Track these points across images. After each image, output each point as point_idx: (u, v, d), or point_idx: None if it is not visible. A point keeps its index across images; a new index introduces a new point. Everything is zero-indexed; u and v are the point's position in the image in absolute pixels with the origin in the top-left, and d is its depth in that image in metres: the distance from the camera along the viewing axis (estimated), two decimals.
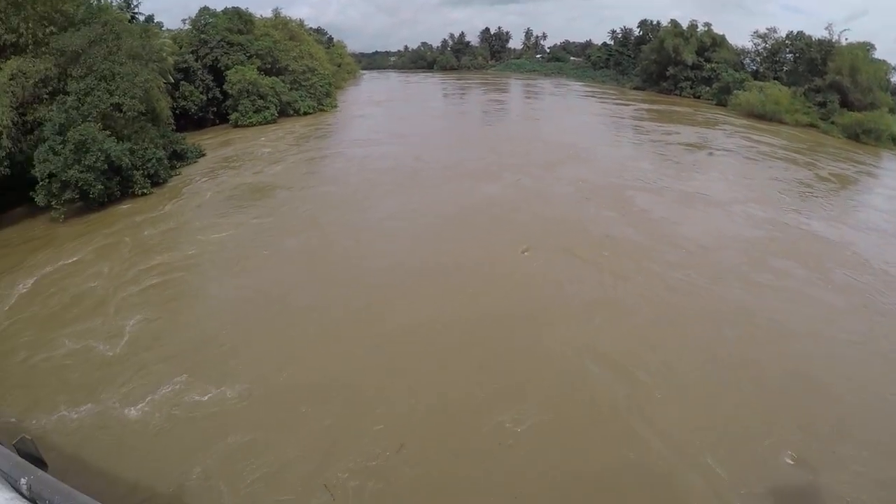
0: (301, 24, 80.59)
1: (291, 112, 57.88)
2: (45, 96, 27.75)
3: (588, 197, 27.40)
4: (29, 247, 23.29)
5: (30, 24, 27.59)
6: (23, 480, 5.55)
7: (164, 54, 42.55)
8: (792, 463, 10.94)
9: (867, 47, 62.10)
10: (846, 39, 63.13)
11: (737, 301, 17.12)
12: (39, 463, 7.38)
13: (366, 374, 13.92)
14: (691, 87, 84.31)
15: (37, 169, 25.20)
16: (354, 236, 23.53)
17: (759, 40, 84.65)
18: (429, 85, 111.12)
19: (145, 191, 29.42)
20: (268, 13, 70.34)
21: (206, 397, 13.12)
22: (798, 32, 77.63)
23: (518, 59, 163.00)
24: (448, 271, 19.56)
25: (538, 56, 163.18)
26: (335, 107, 65.52)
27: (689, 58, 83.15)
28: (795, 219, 25.35)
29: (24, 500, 5.44)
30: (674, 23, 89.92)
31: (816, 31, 72.32)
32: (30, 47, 27.72)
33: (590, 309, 16.67)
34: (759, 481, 10.42)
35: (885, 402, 12.98)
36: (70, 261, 21.60)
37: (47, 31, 28.56)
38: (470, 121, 63.71)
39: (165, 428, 12.17)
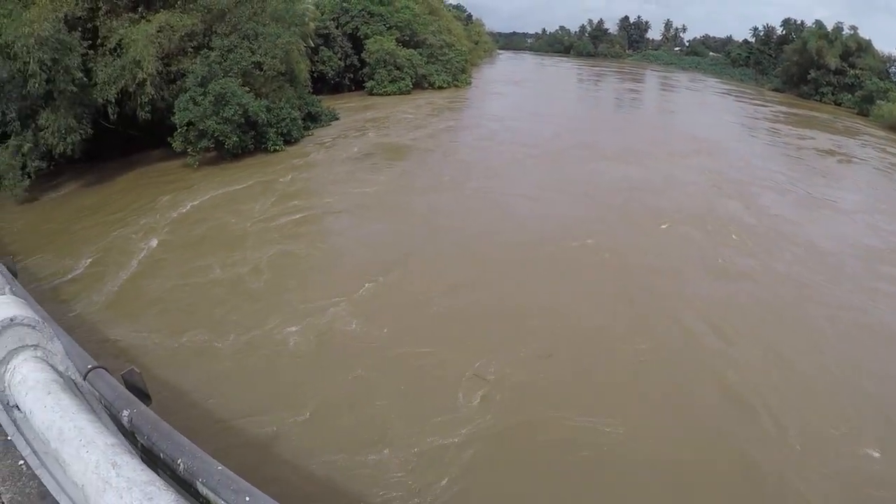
0: None
1: (426, 85, 57.14)
2: (190, 50, 28.13)
3: (717, 186, 27.16)
4: (169, 186, 24.40)
5: None
6: (125, 412, 5.59)
7: (307, 19, 43.02)
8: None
9: None
10: None
11: (845, 300, 16.54)
12: (144, 396, 7.32)
13: (516, 305, 14.92)
14: (832, 94, 76.51)
15: (176, 116, 25.81)
16: (503, 198, 23.85)
17: None
18: (564, 69, 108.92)
19: (277, 147, 29.49)
20: None
21: (354, 325, 13.58)
22: None
23: (656, 50, 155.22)
24: (594, 232, 20.18)
25: (676, 49, 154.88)
26: (469, 83, 64.19)
27: (833, 62, 75.71)
28: None
29: (121, 432, 5.34)
30: (818, 24, 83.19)
31: None
32: (178, 3, 28.16)
33: (714, 282, 17.13)
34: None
35: None
36: (207, 197, 22.82)
37: None
38: (605, 107, 62.18)
39: (311, 351, 12.54)
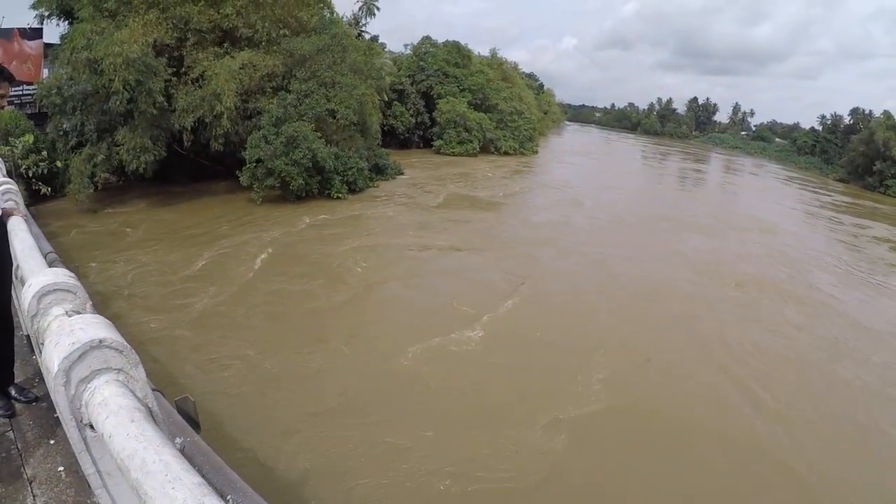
0: (515, 66, 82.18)
1: (492, 149, 57.86)
2: (268, 90, 28.87)
3: (774, 261, 28.47)
4: (234, 216, 25.05)
5: (266, 24, 28.94)
6: (178, 440, 4.95)
7: (383, 73, 44.15)
8: None
9: None
10: None
11: (875, 360, 17.47)
12: (194, 425, 6.75)
13: (616, 330, 16.91)
14: None
15: (247, 152, 26.26)
16: (590, 254, 25.23)
17: None
18: (629, 145, 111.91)
19: (340, 195, 29.51)
20: (485, 52, 72.80)
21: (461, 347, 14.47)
22: None
23: (722, 133, 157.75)
24: (678, 284, 22.21)
25: (742, 133, 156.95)
26: (535, 152, 64.65)
27: None
28: None
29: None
30: (886, 114, 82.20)
31: None
32: (262, 44, 29.08)
33: (768, 330, 18.60)
34: None
35: None
36: (276, 232, 23.12)
37: (281, 32, 29.90)
38: (670, 184, 62.51)
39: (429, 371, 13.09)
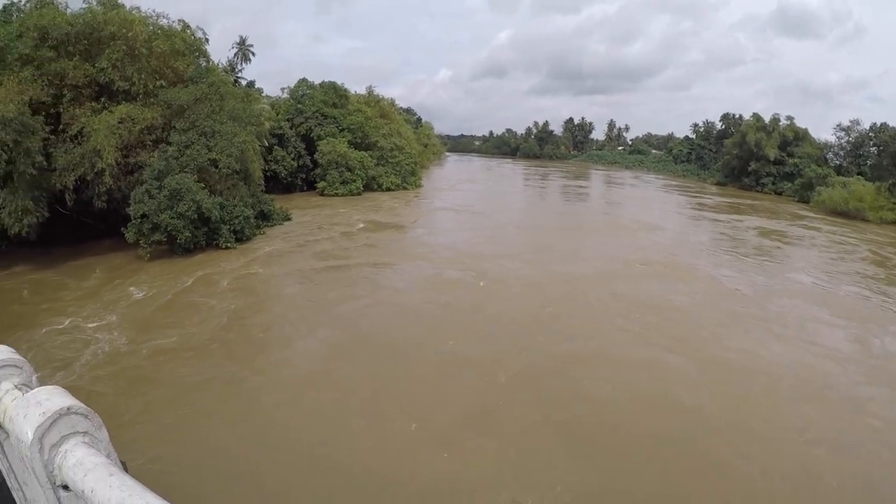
0: (392, 102, 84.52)
1: (375, 187, 59.48)
2: (149, 143, 29.52)
3: (661, 248, 36.85)
4: (121, 277, 24.70)
5: (142, 76, 29.69)
6: None
7: (262, 119, 45.05)
8: None
9: None
10: None
11: (738, 314, 23.66)
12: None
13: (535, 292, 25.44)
14: (773, 183, 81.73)
15: (131, 208, 26.55)
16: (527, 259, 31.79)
17: (842, 133, 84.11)
18: (509, 170, 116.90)
19: (229, 245, 30.02)
20: (362, 90, 74.81)
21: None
22: (882, 124, 76.75)
23: (600, 150, 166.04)
24: (594, 271, 29.42)
25: (620, 148, 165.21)
26: (419, 186, 67.18)
27: (772, 153, 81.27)
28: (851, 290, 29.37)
29: None
30: (756, 117, 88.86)
31: None
32: (140, 96, 29.76)
33: (661, 289, 26.53)
34: None
35: None
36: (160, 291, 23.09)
37: (158, 84, 30.70)
38: (553, 200, 68.89)
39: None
